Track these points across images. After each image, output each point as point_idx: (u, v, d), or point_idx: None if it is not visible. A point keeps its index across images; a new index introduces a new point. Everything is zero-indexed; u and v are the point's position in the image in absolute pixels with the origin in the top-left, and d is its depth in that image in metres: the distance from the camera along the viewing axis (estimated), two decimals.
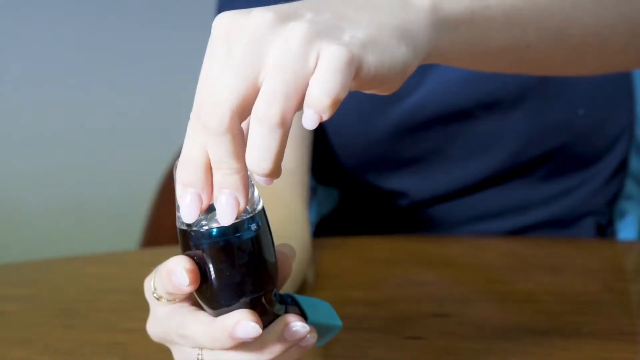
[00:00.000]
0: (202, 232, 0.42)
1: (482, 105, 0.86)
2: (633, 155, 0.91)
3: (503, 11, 0.49)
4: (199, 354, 0.45)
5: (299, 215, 0.72)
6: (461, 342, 0.59)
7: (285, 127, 0.39)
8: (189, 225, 0.42)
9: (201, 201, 0.41)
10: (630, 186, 0.93)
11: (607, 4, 0.56)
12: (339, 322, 0.48)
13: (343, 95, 0.39)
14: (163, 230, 1.30)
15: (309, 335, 0.44)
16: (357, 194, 0.94)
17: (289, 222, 0.69)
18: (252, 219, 0.42)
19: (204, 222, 0.42)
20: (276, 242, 0.46)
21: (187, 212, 0.41)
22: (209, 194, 0.41)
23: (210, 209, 0.42)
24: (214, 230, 0.42)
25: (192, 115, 0.41)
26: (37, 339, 0.63)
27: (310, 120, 0.39)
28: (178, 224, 0.43)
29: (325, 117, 0.39)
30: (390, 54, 0.42)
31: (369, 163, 0.90)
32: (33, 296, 0.73)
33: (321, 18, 0.41)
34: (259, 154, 0.39)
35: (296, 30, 0.40)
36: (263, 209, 0.44)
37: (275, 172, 0.40)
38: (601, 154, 0.90)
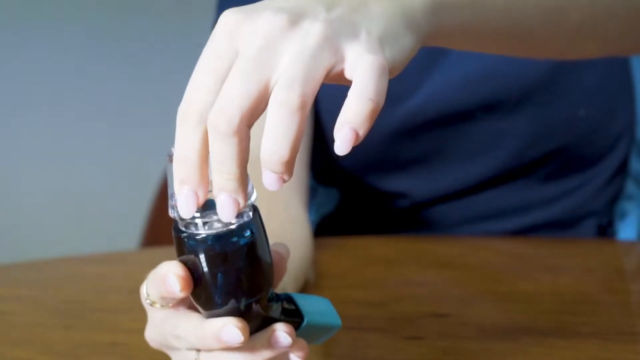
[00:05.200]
0: (196, 239, 0.42)
1: (483, 107, 0.86)
2: (633, 155, 0.91)
3: None
4: (196, 358, 0.45)
5: (299, 215, 0.72)
6: (461, 342, 0.59)
7: (304, 111, 0.38)
8: (183, 230, 0.42)
9: (197, 197, 0.41)
10: (630, 187, 0.93)
11: None
12: (338, 321, 0.48)
13: (382, 103, 0.39)
14: (163, 230, 1.30)
15: (298, 354, 0.45)
16: (357, 195, 0.94)
17: (290, 222, 0.69)
18: (247, 225, 0.42)
19: (198, 220, 0.42)
20: (277, 243, 0.45)
21: (184, 208, 0.41)
22: (205, 190, 0.41)
23: (208, 206, 0.42)
24: (210, 237, 0.42)
25: (179, 110, 0.40)
26: (37, 339, 0.63)
27: (346, 139, 0.38)
28: (173, 230, 0.43)
29: (361, 133, 0.39)
30: (400, 44, 0.43)
31: (370, 164, 0.90)
32: (33, 296, 0.73)
33: (335, 14, 0.41)
34: (277, 140, 0.38)
35: (312, 33, 0.39)
36: (258, 212, 0.43)
37: (291, 163, 0.39)
38: (602, 154, 0.90)
